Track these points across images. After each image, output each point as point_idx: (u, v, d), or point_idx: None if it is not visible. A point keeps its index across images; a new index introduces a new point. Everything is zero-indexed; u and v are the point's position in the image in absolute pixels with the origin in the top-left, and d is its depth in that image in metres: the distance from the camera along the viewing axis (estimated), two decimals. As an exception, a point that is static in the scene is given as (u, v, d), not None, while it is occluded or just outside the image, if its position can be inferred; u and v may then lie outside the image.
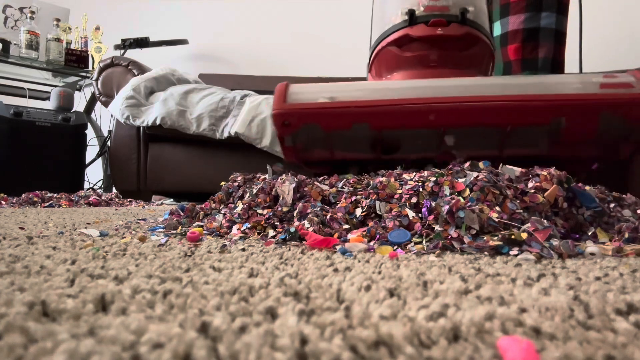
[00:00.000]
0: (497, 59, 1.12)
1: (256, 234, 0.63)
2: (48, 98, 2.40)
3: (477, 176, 0.60)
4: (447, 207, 0.54)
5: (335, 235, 0.57)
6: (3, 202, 1.49)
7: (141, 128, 1.94)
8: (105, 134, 2.51)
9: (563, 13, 1.08)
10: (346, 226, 0.60)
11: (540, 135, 0.62)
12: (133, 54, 2.49)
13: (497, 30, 1.13)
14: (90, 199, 1.61)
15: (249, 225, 0.65)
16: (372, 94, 0.63)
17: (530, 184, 0.61)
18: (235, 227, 0.65)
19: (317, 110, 0.63)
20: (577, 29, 1.08)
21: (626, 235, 0.54)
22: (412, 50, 0.70)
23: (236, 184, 0.79)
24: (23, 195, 1.55)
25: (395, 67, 0.72)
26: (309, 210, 0.63)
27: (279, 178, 0.74)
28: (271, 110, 0.68)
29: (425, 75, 0.69)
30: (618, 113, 0.54)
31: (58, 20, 2.48)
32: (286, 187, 0.70)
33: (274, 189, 0.71)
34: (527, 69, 1.07)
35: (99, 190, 2.32)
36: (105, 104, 2.03)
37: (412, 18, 0.68)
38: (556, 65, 1.08)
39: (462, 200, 0.56)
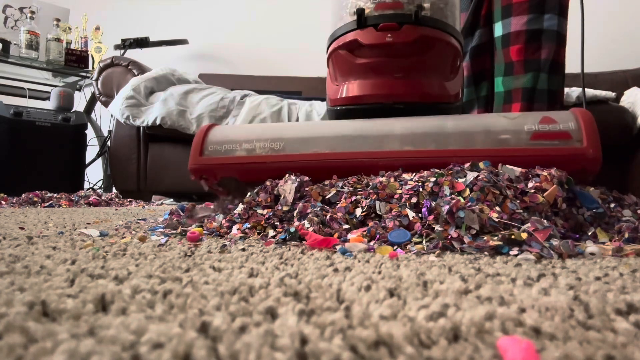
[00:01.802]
0: (498, 59, 1.12)
1: (256, 234, 0.63)
2: (48, 98, 2.40)
3: (477, 176, 0.60)
4: (447, 207, 0.54)
5: (335, 235, 0.57)
6: (3, 202, 1.49)
7: (141, 128, 1.94)
8: (105, 134, 2.51)
9: (564, 15, 1.09)
10: (346, 226, 0.60)
11: None
12: (133, 54, 2.49)
13: (499, 31, 1.13)
14: (90, 199, 1.61)
15: (249, 225, 0.65)
16: (300, 147, 0.61)
17: (530, 184, 0.61)
18: (235, 227, 0.65)
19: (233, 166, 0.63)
20: (578, 29, 1.08)
21: (626, 235, 0.54)
22: (364, 56, 0.63)
23: (236, 184, 0.79)
24: (23, 195, 1.55)
25: (349, 73, 0.65)
26: (309, 210, 0.63)
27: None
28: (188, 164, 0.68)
29: (380, 85, 0.64)
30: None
31: (58, 20, 2.48)
32: (288, 186, 0.70)
33: (275, 188, 0.72)
34: (530, 70, 1.08)
35: (99, 190, 2.32)
36: (105, 104, 2.03)
37: (360, 20, 0.60)
38: (557, 67, 1.08)
39: (462, 200, 0.56)
